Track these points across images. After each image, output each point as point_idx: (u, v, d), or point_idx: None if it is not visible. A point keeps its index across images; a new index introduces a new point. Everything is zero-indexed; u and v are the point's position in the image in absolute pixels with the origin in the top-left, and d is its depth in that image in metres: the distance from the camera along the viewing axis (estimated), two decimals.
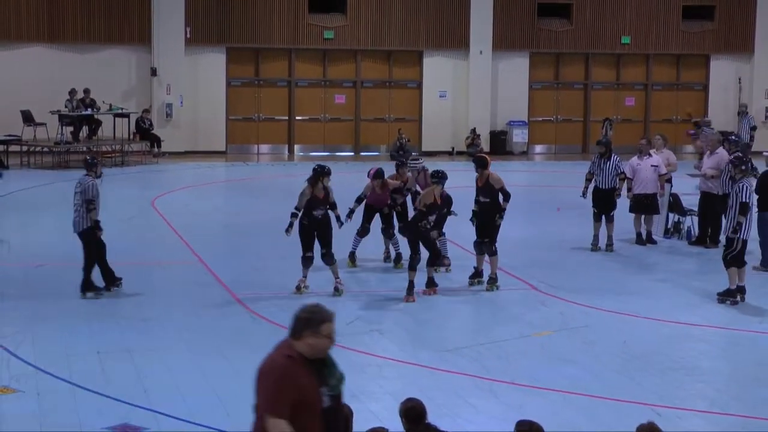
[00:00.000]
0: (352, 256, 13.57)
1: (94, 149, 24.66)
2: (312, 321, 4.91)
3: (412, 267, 11.85)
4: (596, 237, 15.11)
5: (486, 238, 12.42)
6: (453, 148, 30.08)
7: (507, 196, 12.35)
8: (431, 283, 12.19)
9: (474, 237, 12.62)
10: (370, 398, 8.44)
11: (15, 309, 11.29)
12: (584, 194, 15.26)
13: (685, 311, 11.61)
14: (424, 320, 11.16)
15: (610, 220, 15.04)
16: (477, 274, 12.69)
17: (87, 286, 11.79)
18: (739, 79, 31.14)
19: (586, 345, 10.24)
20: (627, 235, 15.67)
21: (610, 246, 15.07)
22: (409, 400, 6.11)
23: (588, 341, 10.36)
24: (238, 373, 8.67)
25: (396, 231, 13.43)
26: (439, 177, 12.13)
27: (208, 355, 9.65)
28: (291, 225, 11.76)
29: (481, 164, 12.48)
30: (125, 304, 11.56)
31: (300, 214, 11.83)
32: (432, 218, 11.91)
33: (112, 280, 11.96)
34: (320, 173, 11.88)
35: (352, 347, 9.73)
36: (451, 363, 9.50)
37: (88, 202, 11.60)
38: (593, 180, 15.24)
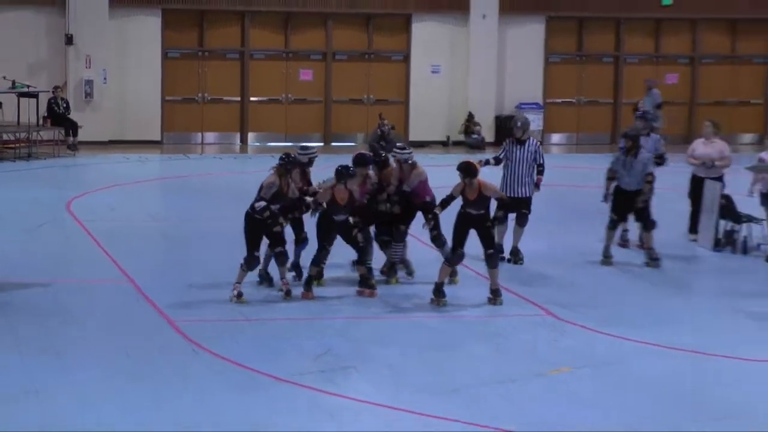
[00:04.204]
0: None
1: None
2: None
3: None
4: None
5: (461, 248, 12.82)
6: (448, 138, 30.15)
7: (503, 202, 13.56)
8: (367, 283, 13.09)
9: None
10: None
11: None
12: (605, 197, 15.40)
13: (744, 343, 11.68)
14: (410, 353, 11.20)
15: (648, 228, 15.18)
16: (439, 290, 12.94)
17: None
18: None
19: (615, 386, 10.28)
20: (668, 248, 15.77)
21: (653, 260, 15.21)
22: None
23: (618, 381, 10.42)
24: (179, 425, 8.62)
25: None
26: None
27: (138, 401, 9.61)
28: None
29: (469, 173, 12.70)
30: (31, 333, 11.52)
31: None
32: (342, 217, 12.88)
33: None
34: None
35: (321, 388, 9.79)
36: (444, 408, 9.51)
37: None
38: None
